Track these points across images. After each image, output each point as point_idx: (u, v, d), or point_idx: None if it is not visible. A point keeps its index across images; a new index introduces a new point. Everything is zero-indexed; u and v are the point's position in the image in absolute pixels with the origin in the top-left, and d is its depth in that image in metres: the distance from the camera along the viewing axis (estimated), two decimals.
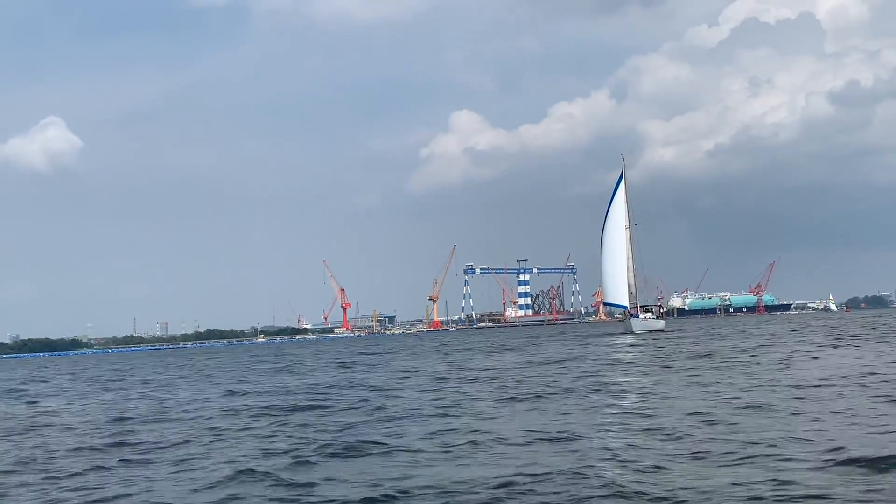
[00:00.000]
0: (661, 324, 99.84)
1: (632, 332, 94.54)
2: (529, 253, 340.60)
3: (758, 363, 36.43)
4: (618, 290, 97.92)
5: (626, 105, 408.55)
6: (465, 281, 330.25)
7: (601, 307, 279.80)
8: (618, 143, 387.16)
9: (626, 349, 58.89)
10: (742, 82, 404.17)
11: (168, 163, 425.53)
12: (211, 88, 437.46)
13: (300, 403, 28.02)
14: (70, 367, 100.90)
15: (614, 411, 21.67)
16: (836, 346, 47.15)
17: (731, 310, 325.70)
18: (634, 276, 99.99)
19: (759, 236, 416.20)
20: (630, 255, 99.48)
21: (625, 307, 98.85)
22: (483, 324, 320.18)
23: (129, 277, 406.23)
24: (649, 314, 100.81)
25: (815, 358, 38.04)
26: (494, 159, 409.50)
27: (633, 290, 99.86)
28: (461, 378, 37.32)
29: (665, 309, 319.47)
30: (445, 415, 22.59)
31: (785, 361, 36.34)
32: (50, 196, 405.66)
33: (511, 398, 26.11)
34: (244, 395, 34.48)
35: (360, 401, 27.85)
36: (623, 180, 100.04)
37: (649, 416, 20.25)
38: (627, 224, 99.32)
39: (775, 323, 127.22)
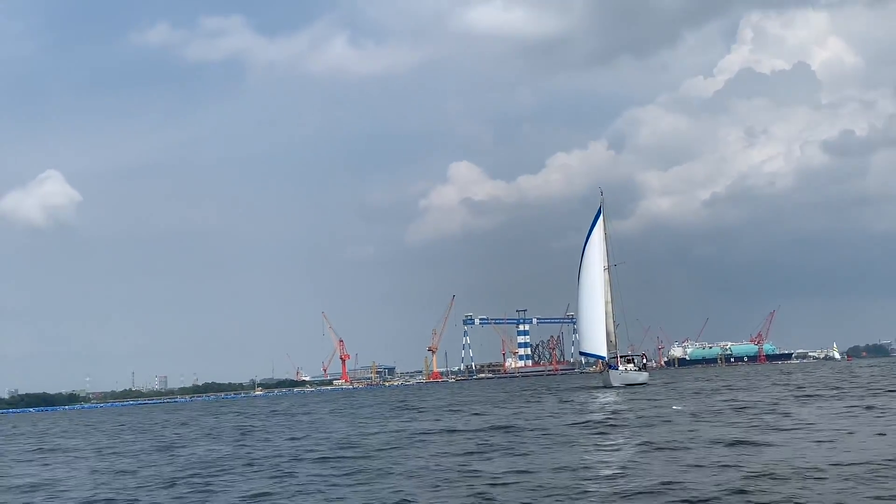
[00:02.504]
0: (643, 376, 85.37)
1: (610, 386, 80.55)
2: (529, 303, 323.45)
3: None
4: (595, 339, 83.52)
5: (623, 156, 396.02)
6: (465, 331, 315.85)
7: None
8: (616, 194, 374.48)
9: (584, 411, 45.08)
10: (738, 132, 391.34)
11: (166, 216, 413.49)
12: (209, 143, 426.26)
13: None
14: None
15: None
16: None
17: (733, 359, 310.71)
18: (615, 322, 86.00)
19: (758, 285, 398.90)
20: (609, 299, 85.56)
21: (602, 357, 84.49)
22: (483, 374, 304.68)
23: (127, 331, 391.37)
24: (630, 365, 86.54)
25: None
26: (493, 210, 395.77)
27: (613, 339, 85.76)
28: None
29: (664, 359, 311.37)
30: None
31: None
32: (48, 250, 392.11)
33: None
34: None
35: None
36: (601, 216, 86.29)
37: None
38: (606, 265, 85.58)
39: (774, 373, 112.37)
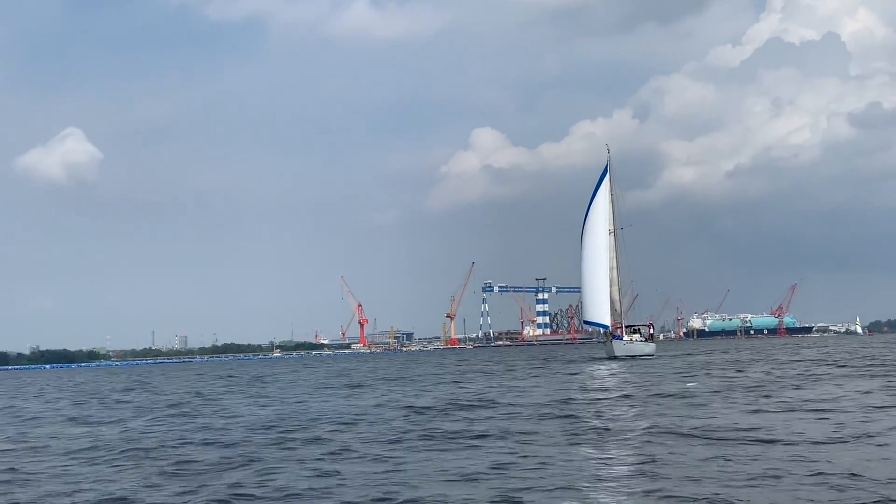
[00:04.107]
0: (649, 347, 78.02)
1: (613, 357, 73.69)
2: (548, 272, 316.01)
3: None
4: (598, 307, 76.42)
5: (648, 125, 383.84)
6: (484, 299, 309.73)
7: None
8: (639, 163, 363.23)
9: (567, 386, 38.06)
10: (765, 103, 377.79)
11: (187, 176, 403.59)
12: (230, 104, 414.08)
13: None
14: None
15: None
16: None
17: (752, 331, 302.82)
18: (619, 290, 78.79)
19: (780, 258, 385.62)
20: (615, 265, 78.26)
21: (605, 327, 77.27)
22: (500, 342, 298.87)
23: (148, 290, 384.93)
24: (636, 336, 79.24)
25: None
26: (514, 177, 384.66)
27: (618, 307, 78.63)
28: None
29: (683, 330, 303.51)
30: None
31: None
32: (69, 207, 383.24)
33: None
34: None
35: None
36: (607, 175, 78.71)
37: None
38: (612, 228, 78.15)
39: (797, 348, 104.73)
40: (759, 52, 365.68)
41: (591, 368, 57.08)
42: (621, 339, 76.40)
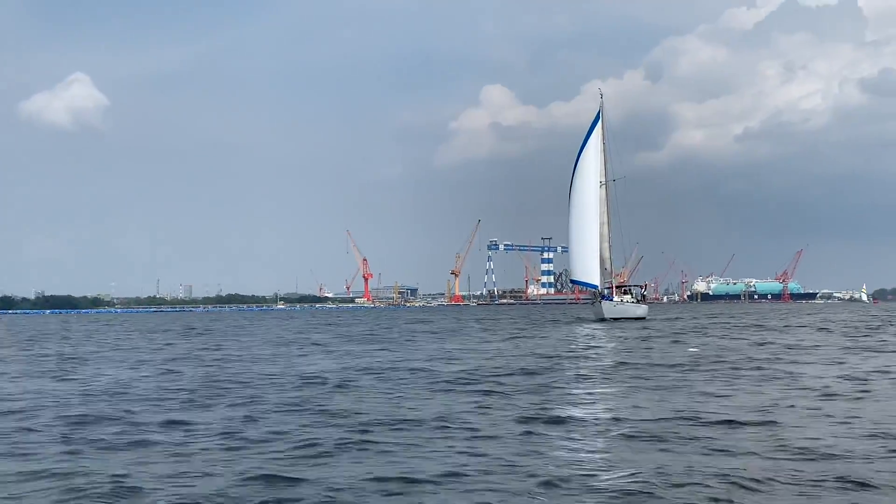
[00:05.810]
0: (641, 310, 70.73)
1: (602, 319, 66.79)
2: (554, 231, 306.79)
3: None
4: (587, 266, 68.66)
5: (659, 86, 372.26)
6: (489, 256, 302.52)
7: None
8: (649, 125, 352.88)
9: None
10: (777, 67, 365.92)
11: (194, 125, 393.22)
12: (240, 54, 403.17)
13: None
14: None
15: None
16: None
17: (756, 296, 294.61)
18: (610, 247, 71.32)
19: (787, 224, 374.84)
20: (606, 220, 70.78)
21: (594, 286, 69.86)
22: (504, 300, 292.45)
23: (154, 239, 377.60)
24: (627, 297, 71.98)
25: None
26: (522, 135, 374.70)
27: (609, 266, 71.25)
28: None
29: (687, 293, 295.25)
30: None
31: None
32: (74, 153, 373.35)
33: None
34: None
35: None
36: (600, 122, 70.87)
37: None
38: (603, 180, 70.55)
39: (797, 315, 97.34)
40: (774, 15, 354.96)
41: (560, 332, 49.97)
42: (611, 300, 69.20)
